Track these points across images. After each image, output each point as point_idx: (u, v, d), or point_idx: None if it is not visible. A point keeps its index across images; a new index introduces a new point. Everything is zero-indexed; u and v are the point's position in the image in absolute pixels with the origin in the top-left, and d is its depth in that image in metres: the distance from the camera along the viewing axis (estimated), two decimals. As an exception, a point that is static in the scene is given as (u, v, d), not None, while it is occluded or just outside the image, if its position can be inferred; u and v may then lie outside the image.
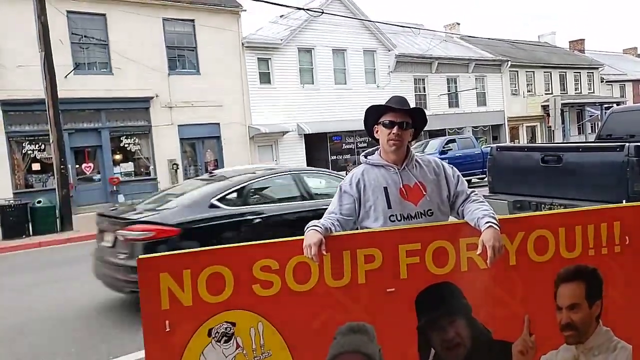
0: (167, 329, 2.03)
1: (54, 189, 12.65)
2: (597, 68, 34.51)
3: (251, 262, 2.08)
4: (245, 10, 18.97)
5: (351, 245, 2.15)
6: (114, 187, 16.43)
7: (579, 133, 31.78)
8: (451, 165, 2.47)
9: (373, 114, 2.35)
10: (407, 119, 2.28)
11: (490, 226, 2.09)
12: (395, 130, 2.25)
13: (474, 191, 2.39)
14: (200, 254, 2.13)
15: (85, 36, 16.10)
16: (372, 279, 2.14)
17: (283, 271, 2.09)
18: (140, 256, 2.07)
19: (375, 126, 2.35)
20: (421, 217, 2.27)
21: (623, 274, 2.39)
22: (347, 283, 2.13)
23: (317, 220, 2.18)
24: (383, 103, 2.34)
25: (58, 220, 12.12)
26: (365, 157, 2.42)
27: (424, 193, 2.29)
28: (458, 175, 2.41)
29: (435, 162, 2.42)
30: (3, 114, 14.74)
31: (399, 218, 2.26)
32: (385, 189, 2.28)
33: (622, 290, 2.38)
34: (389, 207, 2.26)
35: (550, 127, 26.04)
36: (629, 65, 40.62)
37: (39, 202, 12.04)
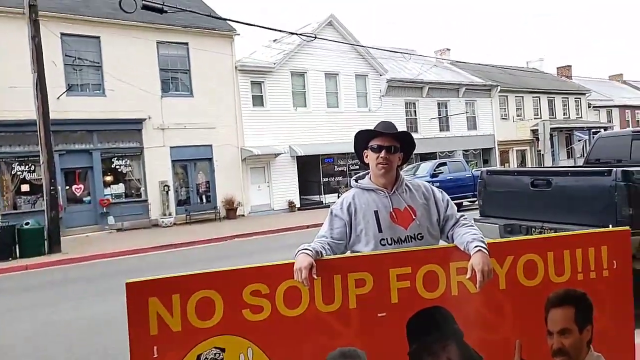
0: (155, 355, 2.00)
1: (43, 211, 12.53)
2: (585, 94, 35.17)
3: (241, 286, 2.07)
4: (239, 35, 19.21)
5: (342, 269, 2.14)
6: (104, 208, 16.30)
7: (568, 157, 32.17)
8: (440, 190, 2.49)
9: (362, 139, 2.39)
10: (395, 143, 2.31)
11: (479, 250, 2.10)
12: (383, 154, 2.28)
13: (463, 215, 2.41)
14: (190, 278, 2.10)
15: (78, 58, 16.17)
16: (363, 304, 2.13)
17: (273, 295, 2.08)
18: (128, 280, 2.05)
19: (365, 151, 2.39)
20: (411, 241, 2.28)
21: (612, 298, 2.40)
22: (338, 308, 2.12)
23: (307, 244, 2.17)
24: (373, 127, 2.38)
25: (46, 243, 11.97)
26: (356, 181, 2.44)
27: (414, 217, 2.30)
28: (447, 200, 2.43)
29: (424, 186, 2.44)
30: (-7, 135, 14.67)
31: (390, 242, 2.26)
32: (376, 212, 2.29)
33: (611, 315, 2.39)
34: (380, 230, 2.27)
35: (539, 151, 26.34)
36: (615, 91, 41.45)
37: (27, 224, 11.92)
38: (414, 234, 2.29)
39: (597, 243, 2.38)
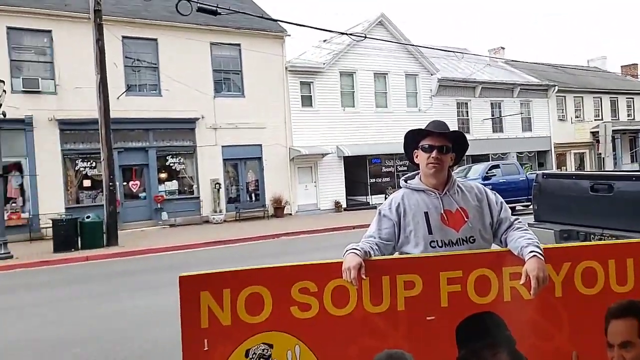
0: (206, 348, 2.05)
1: (103, 205, 13.14)
2: (651, 93, 33.18)
3: (290, 283, 2.08)
4: (289, 35, 19.43)
5: (391, 271, 2.12)
6: (158, 204, 16.90)
7: (632, 161, 30.45)
8: (494, 192, 2.41)
9: (412, 139, 2.35)
10: (447, 143, 2.26)
11: (534, 255, 2.03)
12: (434, 154, 2.23)
13: (517, 219, 2.33)
14: (240, 274, 2.13)
15: (137, 59, 16.87)
16: (412, 306, 2.10)
17: (321, 294, 2.08)
18: (182, 274, 2.11)
19: (415, 151, 2.34)
20: (463, 244, 2.22)
21: (680, 311, 2.24)
22: (386, 309, 2.09)
23: (355, 243, 2.16)
24: (424, 127, 2.33)
25: (105, 236, 12.55)
26: (405, 181, 2.39)
27: (466, 219, 2.24)
28: (501, 202, 2.35)
29: (477, 188, 2.37)
30: (60, 133, 15.54)
31: (440, 244, 2.21)
32: (426, 214, 2.24)
33: (679, 330, 2.24)
34: (430, 232, 2.22)
35: (600, 154, 25.06)
36: (686, 91, 38.82)
37: (88, 217, 12.54)
38: (466, 237, 2.23)
39: None
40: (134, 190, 16.95)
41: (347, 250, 2.11)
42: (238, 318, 2.07)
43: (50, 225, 12.38)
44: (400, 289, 2.10)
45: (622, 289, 2.20)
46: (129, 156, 16.69)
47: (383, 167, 22.21)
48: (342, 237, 12.88)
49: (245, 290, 2.08)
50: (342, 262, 2.06)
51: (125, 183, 16.77)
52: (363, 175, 21.75)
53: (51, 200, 14.98)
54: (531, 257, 2.02)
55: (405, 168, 22.03)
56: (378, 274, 2.09)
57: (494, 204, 2.32)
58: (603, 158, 25.22)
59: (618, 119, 30.33)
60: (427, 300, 2.11)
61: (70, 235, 12.02)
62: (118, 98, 15.64)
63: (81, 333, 5.53)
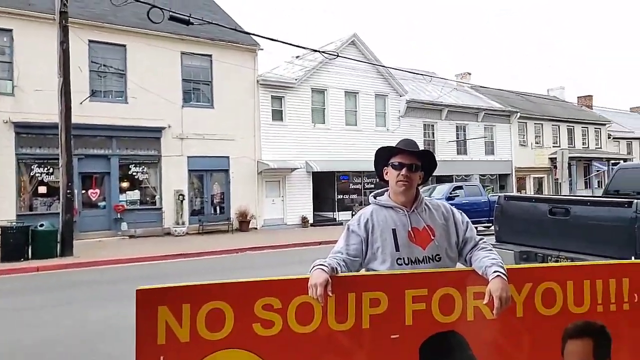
0: (162, 365, 1.97)
1: (58, 213, 12.66)
2: (605, 124, 34.79)
3: (253, 299, 2.03)
4: (262, 49, 19.44)
5: (357, 288, 2.10)
6: (118, 214, 16.43)
7: (586, 187, 31.70)
8: (460, 211, 2.44)
9: (383, 156, 2.36)
10: (417, 161, 2.28)
11: (498, 275, 2.05)
12: (404, 172, 2.25)
13: (482, 239, 2.36)
14: (201, 288, 2.06)
15: (104, 65, 16.50)
16: (377, 324, 2.08)
17: (285, 311, 2.04)
18: (140, 287, 2.03)
19: (385, 168, 2.36)
20: (429, 262, 2.23)
21: (631, 332, 2.31)
22: (351, 327, 2.07)
23: (322, 259, 2.13)
24: (395, 145, 2.35)
25: (59, 245, 12.06)
26: (375, 197, 2.40)
27: (433, 237, 2.26)
28: (467, 222, 2.38)
29: (444, 207, 2.39)
30: (15, 136, 14.96)
31: (407, 262, 2.21)
32: (394, 230, 2.25)
33: (630, 350, 2.30)
34: (397, 249, 2.22)
35: (557, 179, 25.97)
36: (636, 123, 40.90)
37: (41, 225, 12.03)
38: (432, 255, 2.24)
39: (618, 274, 2.31)
40: (93, 199, 16.44)
41: (314, 266, 2.08)
42: (197, 334, 2.00)
43: None
44: (366, 307, 2.08)
45: (579, 309, 2.26)
46: (89, 163, 16.20)
47: (351, 184, 22.35)
48: (308, 253, 12.80)
49: (206, 305, 2.01)
50: (308, 278, 2.03)
51: (84, 191, 16.24)
52: (331, 191, 21.81)
53: (0, 206, 14.31)
54: (495, 277, 2.05)
55: (373, 185, 22.22)
56: (344, 290, 2.07)
57: (460, 223, 2.34)
58: (560, 183, 26.15)
59: (574, 147, 31.62)
60: (392, 318, 2.09)
61: (21, 244, 11.46)
62: (81, 103, 15.22)
63: (21, 349, 5.24)
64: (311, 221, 20.58)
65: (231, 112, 18.47)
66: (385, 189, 2.43)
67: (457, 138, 25.98)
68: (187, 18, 12.14)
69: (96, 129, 15.99)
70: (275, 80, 20.10)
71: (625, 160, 29.61)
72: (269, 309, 2.03)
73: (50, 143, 14.58)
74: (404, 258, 2.22)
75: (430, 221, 2.29)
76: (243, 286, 2.08)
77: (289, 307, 2.04)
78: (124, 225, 16.44)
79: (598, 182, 32.01)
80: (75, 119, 12.91)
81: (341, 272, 2.14)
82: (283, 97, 20.14)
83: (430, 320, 2.12)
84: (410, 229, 2.25)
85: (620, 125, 37.34)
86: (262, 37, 14.60)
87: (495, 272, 2.06)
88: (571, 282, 2.25)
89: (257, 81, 19.31)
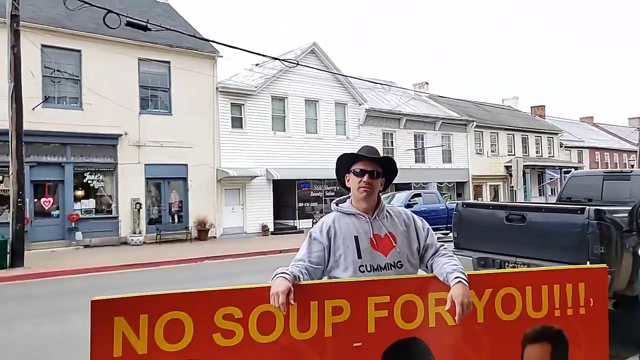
0: (118, 379, 1.89)
1: (8, 223, 12.07)
2: (557, 133, 36.28)
3: (213, 309, 1.98)
4: (221, 56, 19.26)
5: (319, 295, 2.08)
6: (73, 223, 15.82)
7: (540, 194, 32.89)
8: (421, 218, 2.46)
9: (344, 163, 2.36)
10: (378, 167, 2.30)
11: (459, 282, 2.07)
12: (365, 178, 2.25)
13: (443, 245, 2.39)
14: (160, 298, 2.00)
15: (57, 70, 15.92)
16: (339, 332, 2.07)
17: (246, 320, 2.00)
18: (95, 298, 1.94)
19: (347, 175, 2.36)
20: (391, 269, 2.23)
21: (588, 336, 2.39)
22: (313, 335, 2.05)
23: (284, 267, 2.11)
24: (356, 152, 2.36)
25: (9, 256, 11.51)
26: (337, 204, 2.39)
27: (394, 244, 2.26)
28: (428, 228, 2.41)
29: (405, 214, 2.41)
30: (-39, 143, 14.17)
31: (369, 269, 2.21)
32: (356, 237, 2.24)
33: (586, 353, 2.37)
34: (359, 257, 2.22)
35: (512, 187, 26.88)
36: (586, 133, 42.93)
37: (-10, 235, 11.44)
38: (394, 262, 2.24)
39: (575, 279, 2.38)
40: (46, 208, 15.76)
41: (275, 275, 2.05)
42: (155, 346, 1.93)
43: (-56, 243, 11.15)
44: (328, 315, 2.07)
45: (538, 314, 2.31)
46: (42, 171, 15.54)
47: (312, 192, 22.36)
48: (269, 262, 12.69)
49: (165, 316, 1.95)
50: (269, 287, 2.00)
51: (36, 200, 15.55)
52: (291, 199, 21.75)
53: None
54: (456, 283, 2.07)
55: (334, 193, 22.31)
56: (306, 298, 2.05)
57: (421, 230, 2.37)
58: (515, 191, 27.06)
59: (528, 155, 32.80)
60: (354, 326, 2.09)
61: (-33, 255, 10.88)
62: (33, 109, 14.62)
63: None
64: (272, 229, 20.44)
65: (190, 119, 18.17)
66: (347, 196, 2.42)
67: (416, 146, 26.48)
68: (145, 24, 11.86)
69: (49, 136, 15.37)
70: (235, 87, 19.94)
71: (576, 168, 30.95)
72: (230, 319, 1.99)
73: (0, 150, 13.92)
74: (366, 265, 2.21)
75: (392, 228, 2.30)
76: (203, 296, 2.03)
77: (250, 317, 2.01)
78: (79, 235, 15.84)
79: (551, 189, 33.30)
80: (27, 125, 12.37)
81: (303, 280, 2.11)
82: (243, 104, 20.00)
83: (392, 327, 2.12)
84: (372, 236, 2.26)
85: (571, 135, 39.06)
86: (221, 44, 14.43)
87: (456, 278, 2.09)
88: (530, 287, 2.31)
89: (217, 88, 19.10)
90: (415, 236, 2.34)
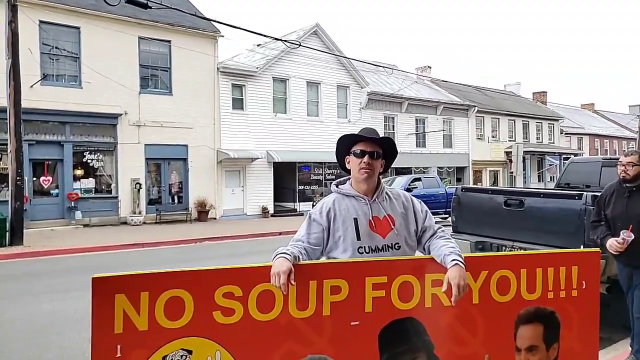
0: (118, 355, 1.92)
1: (7, 201, 12.12)
2: (558, 120, 36.18)
3: (214, 287, 2.01)
4: (222, 36, 19.09)
5: (318, 276, 2.11)
6: (72, 203, 15.87)
7: (539, 180, 32.95)
8: (420, 201, 2.48)
9: (344, 144, 2.36)
10: (378, 149, 2.30)
11: (456, 264, 2.10)
12: (366, 159, 2.26)
13: (441, 227, 2.41)
14: (160, 276, 2.02)
15: (56, 47, 15.79)
16: (337, 311, 2.10)
17: (246, 299, 2.03)
18: (96, 275, 1.96)
19: (347, 156, 2.36)
20: (388, 250, 2.26)
21: (579, 318, 2.43)
22: (312, 314, 2.08)
23: (284, 247, 2.13)
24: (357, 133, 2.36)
25: (8, 234, 11.57)
26: (337, 186, 2.41)
27: (393, 226, 2.29)
28: (426, 210, 2.43)
29: (404, 196, 2.43)
30: (-40, 120, 14.14)
31: (367, 250, 2.24)
32: (356, 220, 2.26)
33: (577, 334, 2.42)
34: (358, 238, 2.24)
35: (512, 172, 26.91)
36: (587, 120, 42.82)
37: (-10, 213, 11.49)
38: (392, 244, 2.27)
39: (568, 263, 2.41)
40: (45, 187, 15.78)
41: (276, 254, 2.07)
42: (156, 323, 1.96)
43: (-56, 220, 11.21)
44: (327, 294, 2.10)
45: (531, 296, 2.35)
46: (41, 150, 15.54)
47: (312, 175, 22.38)
48: (268, 244, 12.78)
49: (165, 293, 1.97)
50: (269, 266, 2.02)
51: (35, 178, 15.57)
52: (292, 181, 21.77)
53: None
54: (453, 265, 2.10)
55: (334, 176, 22.33)
56: (305, 278, 2.07)
57: (419, 212, 2.39)
58: (514, 176, 27.10)
59: (529, 141, 32.76)
60: (352, 305, 2.12)
61: (-33, 232, 10.94)
62: (32, 87, 14.55)
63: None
64: (271, 211, 20.51)
65: (190, 99, 18.10)
66: (347, 177, 2.43)
67: (417, 131, 26.42)
68: (145, 2, 11.74)
69: (48, 114, 15.32)
70: (236, 68, 19.81)
71: (576, 154, 30.96)
72: (230, 297, 2.01)
73: (-1, 128, 13.90)
74: (364, 247, 2.24)
75: (391, 210, 2.32)
76: (203, 274, 2.05)
77: (250, 295, 2.03)
78: (78, 214, 15.90)
79: (550, 176, 33.34)
80: (25, 103, 12.34)
81: (302, 260, 2.14)
82: (244, 85, 19.89)
83: (389, 307, 2.15)
84: (371, 218, 2.28)
85: (571, 121, 38.99)
86: (223, 23, 14.28)
87: (453, 260, 2.11)
88: (524, 270, 2.34)
89: (218, 69, 18.98)
90: (414, 218, 2.36)
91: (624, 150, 6.85)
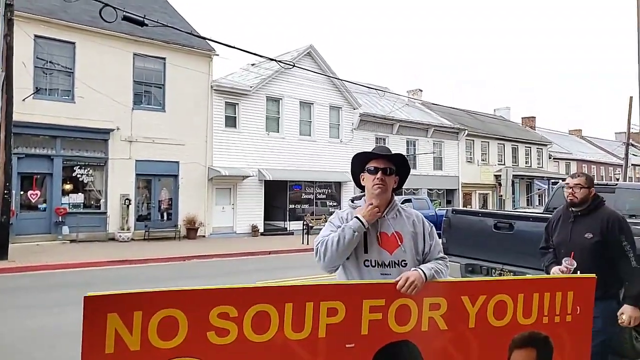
0: (109, 374, 1.88)
1: (-6, 215, 11.93)
2: (546, 145, 36.67)
3: (209, 307, 1.99)
4: (217, 55, 19.23)
5: (315, 297, 2.10)
6: (60, 217, 15.68)
7: (527, 204, 33.20)
8: (431, 224, 2.53)
9: (358, 163, 2.45)
10: (391, 165, 2.38)
11: (417, 269, 2.20)
12: (379, 175, 2.33)
13: (444, 256, 2.46)
14: (155, 296, 1.99)
15: (50, 62, 15.78)
16: (333, 333, 2.09)
17: (241, 319, 2.01)
18: (88, 293, 1.93)
19: (362, 174, 2.44)
20: (395, 267, 2.30)
21: (572, 343, 2.44)
22: (307, 336, 2.07)
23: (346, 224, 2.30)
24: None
25: (-7, 248, 11.36)
26: (352, 201, 2.50)
27: (400, 243, 2.33)
28: (435, 235, 2.49)
29: (417, 216, 2.50)
30: (-51, 131, 13.99)
31: (374, 264, 2.29)
32: (365, 233, 2.31)
33: (569, 359, 2.43)
34: (366, 251, 2.30)
35: (501, 196, 27.09)
36: (574, 146, 43.44)
37: (-25, 227, 11.29)
38: (398, 260, 2.31)
39: (565, 288, 2.43)
40: (33, 201, 15.59)
41: (346, 226, 2.26)
42: (148, 343, 1.93)
43: None
44: (323, 316, 2.09)
45: (527, 321, 2.36)
46: (30, 163, 15.39)
47: (303, 194, 22.36)
48: (257, 262, 12.67)
49: (159, 313, 1.94)
50: (265, 287, 2.07)
51: (22, 192, 15.39)
52: (283, 200, 21.73)
53: None
54: (418, 270, 2.21)
55: (325, 196, 22.35)
56: (302, 299, 2.07)
57: (427, 235, 2.45)
58: (503, 200, 27.26)
59: (518, 165, 33.11)
60: (348, 327, 2.11)
61: (-48, 245, 10.73)
62: (24, 100, 14.49)
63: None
64: (261, 230, 20.40)
65: (183, 116, 18.11)
66: (362, 194, 2.52)
67: (407, 153, 26.59)
68: (141, 19, 11.79)
69: (39, 128, 15.23)
70: (229, 86, 19.91)
71: (564, 179, 31.24)
72: (225, 318, 2.00)
73: (-13, 140, 13.76)
74: (371, 260, 2.29)
75: (400, 227, 2.38)
76: (198, 294, 2.03)
77: (245, 316, 2.02)
78: (66, 229, 15.69)
79: (539, 199, 33.63)
80: (16, 116, 12.28)
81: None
82: (237, 104, 19.97)
83: (385, 330, 2.15)
84: (378, 233, 2.33)
85: (560, 147, 39.53)
86: (218, 42, 14.43)
87: (422, 269, 2.22)
88: (522, 294, 2.36)
89: (212, 87, 19.06)
90: (422, 239, 2.42)
91: (569, 174, 6.62)
